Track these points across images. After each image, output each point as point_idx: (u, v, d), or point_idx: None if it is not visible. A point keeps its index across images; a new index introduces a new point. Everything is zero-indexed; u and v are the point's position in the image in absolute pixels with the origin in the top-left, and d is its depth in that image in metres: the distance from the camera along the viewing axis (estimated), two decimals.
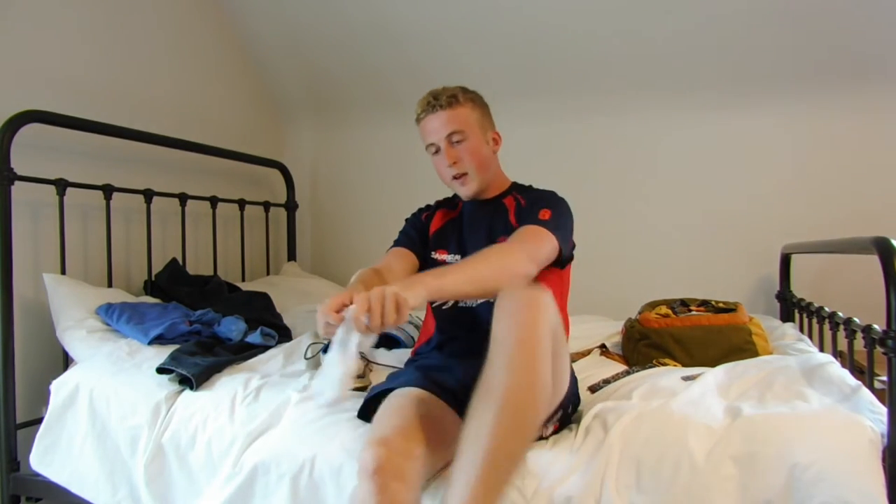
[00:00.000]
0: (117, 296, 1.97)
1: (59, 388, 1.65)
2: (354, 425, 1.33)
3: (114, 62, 2.24)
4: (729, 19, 2.29)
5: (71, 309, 1.83)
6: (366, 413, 1.34)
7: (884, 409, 1.18)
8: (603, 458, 1.16)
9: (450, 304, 1.48)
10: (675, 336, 1.81)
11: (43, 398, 1.72)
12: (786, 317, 2.27)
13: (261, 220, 2.90)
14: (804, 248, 2.04)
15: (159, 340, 1.76)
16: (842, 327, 1.56)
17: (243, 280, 2.69)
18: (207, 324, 1.87)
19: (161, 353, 1.66)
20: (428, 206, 1.64)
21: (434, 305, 1.53)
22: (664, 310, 1.95)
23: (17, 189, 1.79)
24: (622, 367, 1.72)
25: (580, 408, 1.38)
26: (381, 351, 1.82)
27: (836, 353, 1.61)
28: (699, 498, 1.09)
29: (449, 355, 1.44)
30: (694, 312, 1.93)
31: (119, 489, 1.52)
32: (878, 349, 1.21)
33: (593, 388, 1.52)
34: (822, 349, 1.75)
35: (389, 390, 1.28)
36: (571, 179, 2.25)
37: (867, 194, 2.35)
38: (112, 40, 2.23)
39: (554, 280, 1.41)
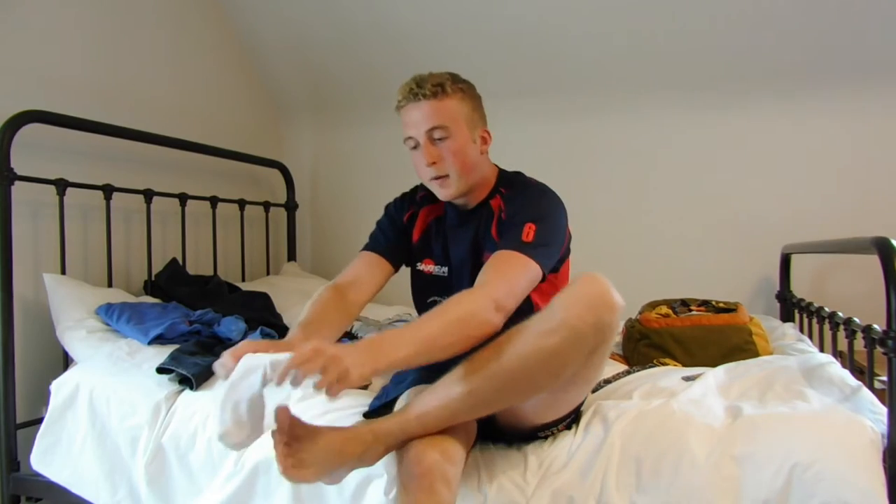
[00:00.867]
0: (117, 296, 1.97)
1: (59, 388, 1.65)
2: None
3: (114, 62, 2.24)
4: (730, 19, 2.29)
5: (71, 309, 1.83)
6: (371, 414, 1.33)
7: (884, 410, 1.18)
8: (603, 457, 1.16)
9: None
10: (676, 336, 1.81)
11: (43, 398, 1.72)
12: (786, 317, 2.27)
13: (261, 220, 2.90)
14: (804, 248, 2.04)
15: (159, 340, 1.76)
16: (842, 327, 1.56)
17: (243, 280, 2.69)
18: (207, 324, 1.87)
19: (161, 353, 1.66)
20: (412, 200, 1.47)
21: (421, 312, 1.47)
22: (664, 310, 1.95)
23: (17, 189, 1.79)
24: (622, 367, 1.72)
25: (581, 408, 1.37)
26: None
27: (837, 354, 1.61)
28: (699, 497, 1.09)
29: None
30: (694, 312, 1.93)
31: (119, 489, 1.52)
32: (878, 349, 1.21)
33: (594, 388, 1.52)
34: (822, 349, 1.75)
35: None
36: (571, 179, 2.25)
37: (867, 194, 2.35)
38: (112, 40, 2.23)
39: (545, 288, 1.31)
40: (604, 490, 1.12)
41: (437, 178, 1.30)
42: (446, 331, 1.07)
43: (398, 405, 1.23)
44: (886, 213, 2.30)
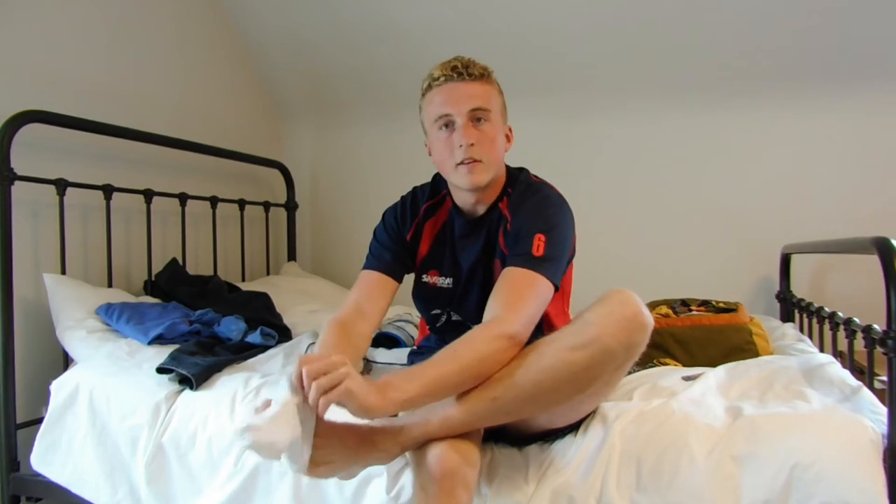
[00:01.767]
0: (117, 296, 1.97)
1: (59, 388, 1.65)
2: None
3: (114, 62, 2.24)
4: (729, 19, 2.29)
5: (71, 309, 1.83)
6: None
7: (884, 410, 1.18)
8: (604, 457, 1.16)
9: (443, 320, 1.43)
10: (676, 336, 1.81)
11: (43, 398, 1.72)
12: (786, 317, 2.27)
13: (261, 220, 2.90)
14: (804, 248, 2.04)
15: (159, 340, 1.76)
16: (842, 327, 1.56)
17: (243, 280, 2.69)
18: (207, 324, 1.87)
19: (161, 353, 1.66)
20: (413, 213, 1.40)
21: (428, 323, 1.47)
22: (665, 310, 1.95)
23: (17, 189, 1.79)
24: None
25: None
26: (381, 350, 1.82)
27: (837, 354, 1.61)
28: (699, 497, 1.09)
29: None
30: (694, 312, 1.93)
31: (119, 489, 1.52)
32: (878, 349, 1.21)
33: None
34: (822, 349, 1.75)
35: None
36: (571, 179, 2.23)
37: (867, 194, 2.35)
38: (112, 40, 2.23)
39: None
40: (604, 490, 1.12)
41: (468, 161, 1.23)
42: (461, 375, 1.06)
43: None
44: (886, 213, 2.31)
